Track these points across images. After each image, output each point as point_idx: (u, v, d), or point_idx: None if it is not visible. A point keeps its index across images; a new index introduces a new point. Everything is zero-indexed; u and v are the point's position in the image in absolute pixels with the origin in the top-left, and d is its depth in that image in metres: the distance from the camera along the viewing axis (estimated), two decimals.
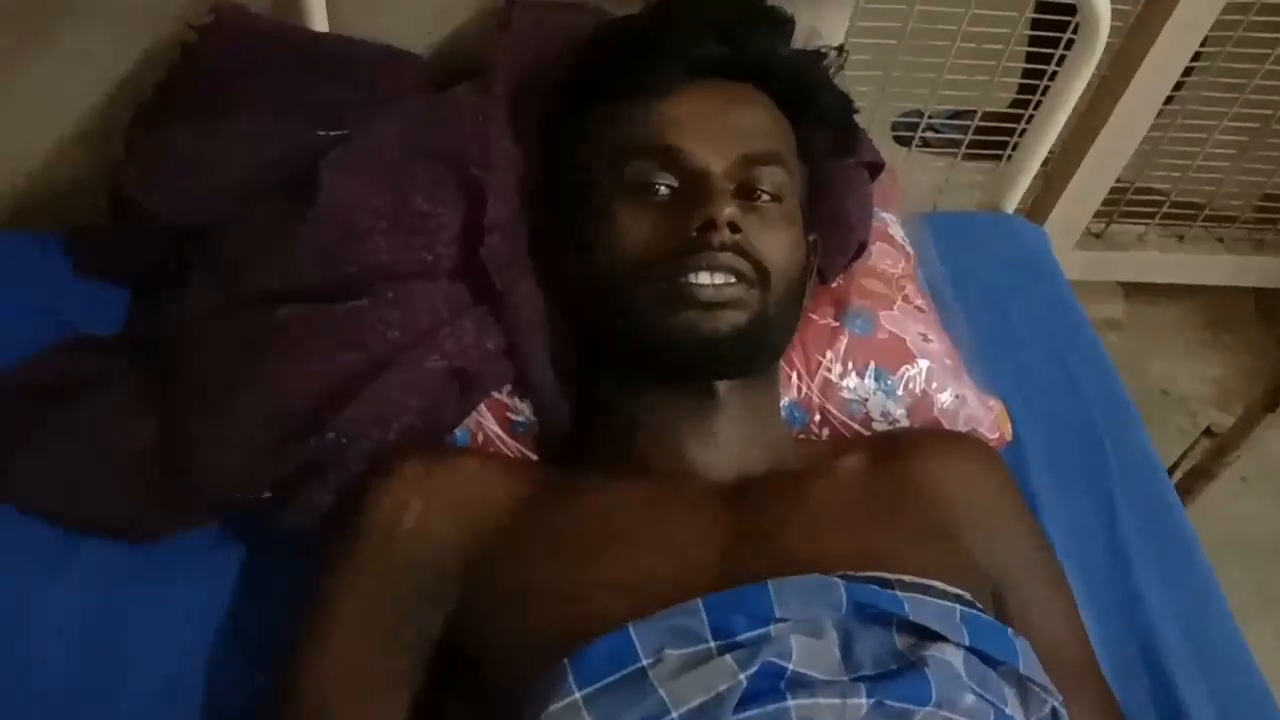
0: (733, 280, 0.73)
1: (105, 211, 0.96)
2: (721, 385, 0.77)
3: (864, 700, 0.60)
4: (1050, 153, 1.23)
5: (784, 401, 0.90)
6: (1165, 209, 1.86)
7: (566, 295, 0.82)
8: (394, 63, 0.96)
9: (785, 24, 0.85)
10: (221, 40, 0.93)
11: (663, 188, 0.76)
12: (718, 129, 0.77)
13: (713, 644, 0.61)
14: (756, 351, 0.77)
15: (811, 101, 0.85)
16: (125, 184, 0.91)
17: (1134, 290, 2.01)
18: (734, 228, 0.73)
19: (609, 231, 0.76)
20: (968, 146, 1.61)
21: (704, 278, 0.72)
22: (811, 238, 0.84)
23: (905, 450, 0.82)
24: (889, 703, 0.60)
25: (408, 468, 0.74)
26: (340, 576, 0.71)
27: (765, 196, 0.77)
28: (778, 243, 0.76)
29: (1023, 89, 1.62)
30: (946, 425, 0.93)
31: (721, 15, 0.81)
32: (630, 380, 0.78)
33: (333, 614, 0.69)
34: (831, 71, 0.88)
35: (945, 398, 0.93)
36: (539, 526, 0.72)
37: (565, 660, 0.59)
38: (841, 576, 0.65)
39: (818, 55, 0.87)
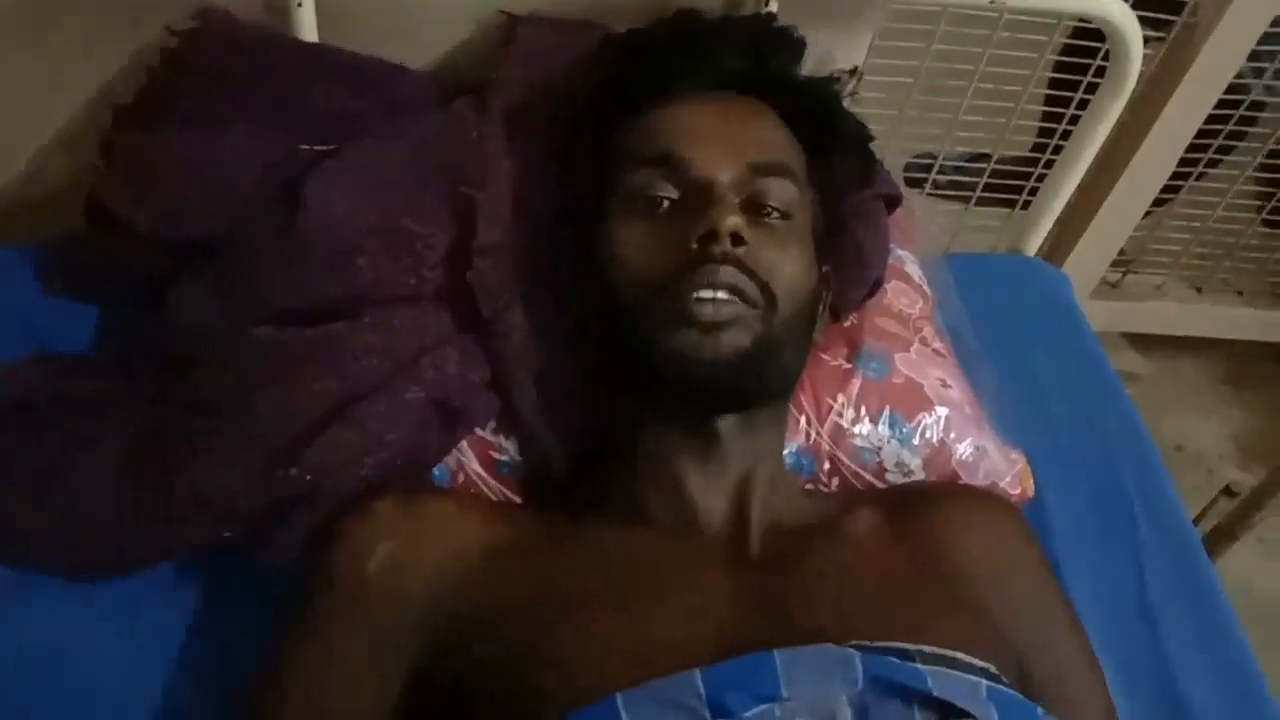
0: (734, 298, 0.69)
1: (82, 223, 0.92)
2: (723, 424, 0.72)
3: None
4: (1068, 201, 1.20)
5: (791, 448, 0.85)
6: (1184, 260, 1.83)
7: (582, 319, 0.78)
8: (386, 75, 0.93)
9: (799, 45, 0.83)
10: (206, 46, 0.90)
11: (665, 200, 0.73)
12: (725, 138, 0.74)
13: None
14: (760, 379, 0.72)
15: (825, 124, 0.82)
16: (103, 194, 0.88)
17: (1151, 343, 1.97)
18: (737, 239, 0.69)
19: (612, 247, 0.73)
20: (982, 190, 1.57)
21: (705, 294, 0.68)
22: (825, 269, 0.80)
23: (923, 509, 0.78)
24: None
25: (380, 508, 0.71)
26: (309, 620, 0.68)
27: (774, 213, 0.73)
28: (785, 262, 0.72)
29: (1042, 133, 1.59)
30: (965, 478, 0.88)
31: (737, 30, 0.81)
32: (633, 416, 0.75)
33: (300, 656, 0.67)
34: (845, 94, 0.86)
35: (964, 448, 0.88)
36: (524, 581, 0.68)
37: None
38: (857, 647, 0.60)
39: (831, 79, 0.85)
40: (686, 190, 0.72)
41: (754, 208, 0.73)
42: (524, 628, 0.65)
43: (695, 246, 0.68)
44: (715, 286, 0.68)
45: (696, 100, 0.76)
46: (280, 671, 0.67)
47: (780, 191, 0.74)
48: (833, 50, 0.95)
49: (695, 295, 0.68)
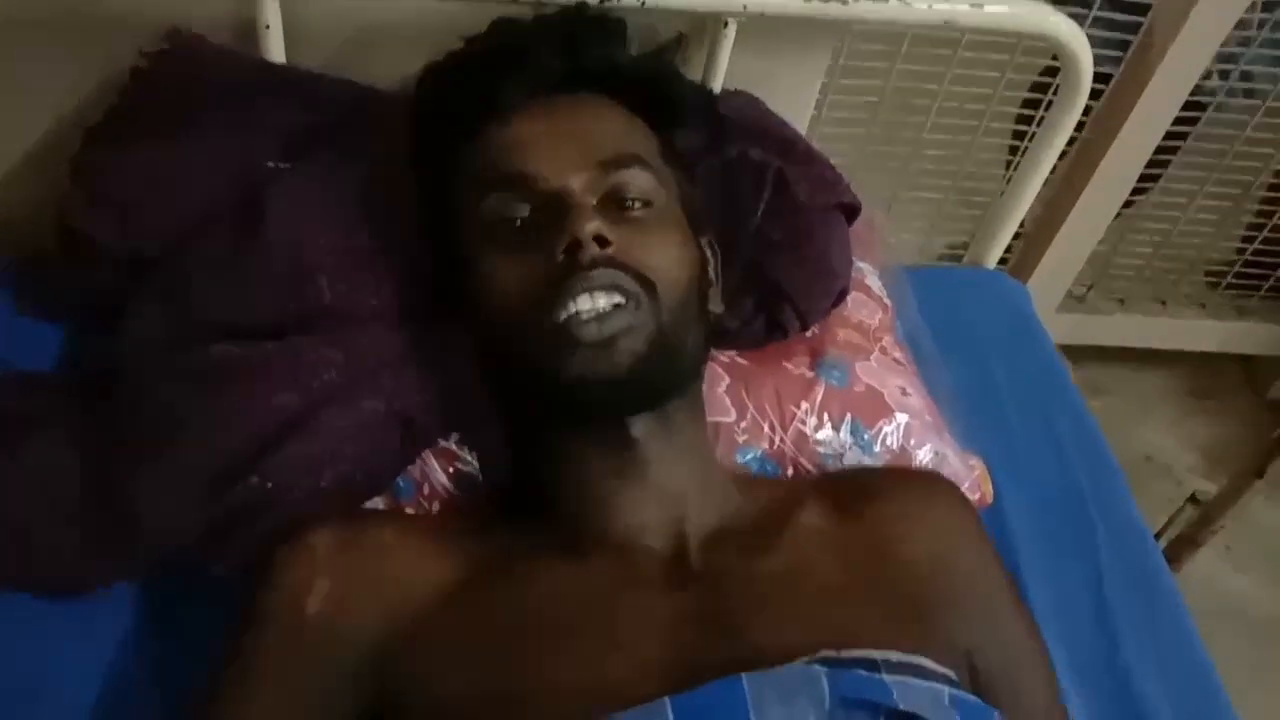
0: (617, 299, 0.66)
1: (52, 243, 0.92)
2: (636, 425, 0.70)
3: None
4: (1031, 216, 1.22)
5: (755, 453, 0.86)
6: (1147, 274, 1.85)
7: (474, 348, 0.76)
8: (350, 95, 0.93)
9: (619, 26, 0.79)
10: (174, 67, 0.90)
11: (521, 220, 0.70)
12: (568, 143, 0.71)
13: None
14: (666, 375, 0.70)
15: (664, 99, 0.79)
16: (68, 211, 0.87)
17: (1118, 355, 2.00)
18: (601, 241, 0.66)
19: (481, 279, 0.70)
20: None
21: (584, 302, 0.66)
22: (705, 239, 0.78)
23: (868, 499, 0.77)
24: None
25: (317, 543, 0.69)
26: (245, 653, 0.66)
27: (636, 204, 0.71)
28: (658, 249, 0.70)
29: (1011, 151, 1.62)
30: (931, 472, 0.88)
31: (551, 29, 0.77)
32: (545, 431, 0.73)
33: (237, 690, 0.66)
34: (674, 58, 0.83)
35: (924, 454, 0.89)
36: (472, 621, 0.66)
37: None
38: (823, 661, 0.60)
39: (660, 52, 0.83)
40: (540, 204, 0.69)
41: (613, 203, 0.70)
42: (472, 666, 0.63)
43: (562, 259, 0.66)
44: (591, 289, 0.66)
45: (529, 110, 0.73)
46: (216, 706, 0.65)
47: (636, 181, 0.71)
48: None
49: (576, 309, 0.66)
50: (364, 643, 0.65)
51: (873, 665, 0.60)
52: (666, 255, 0.70)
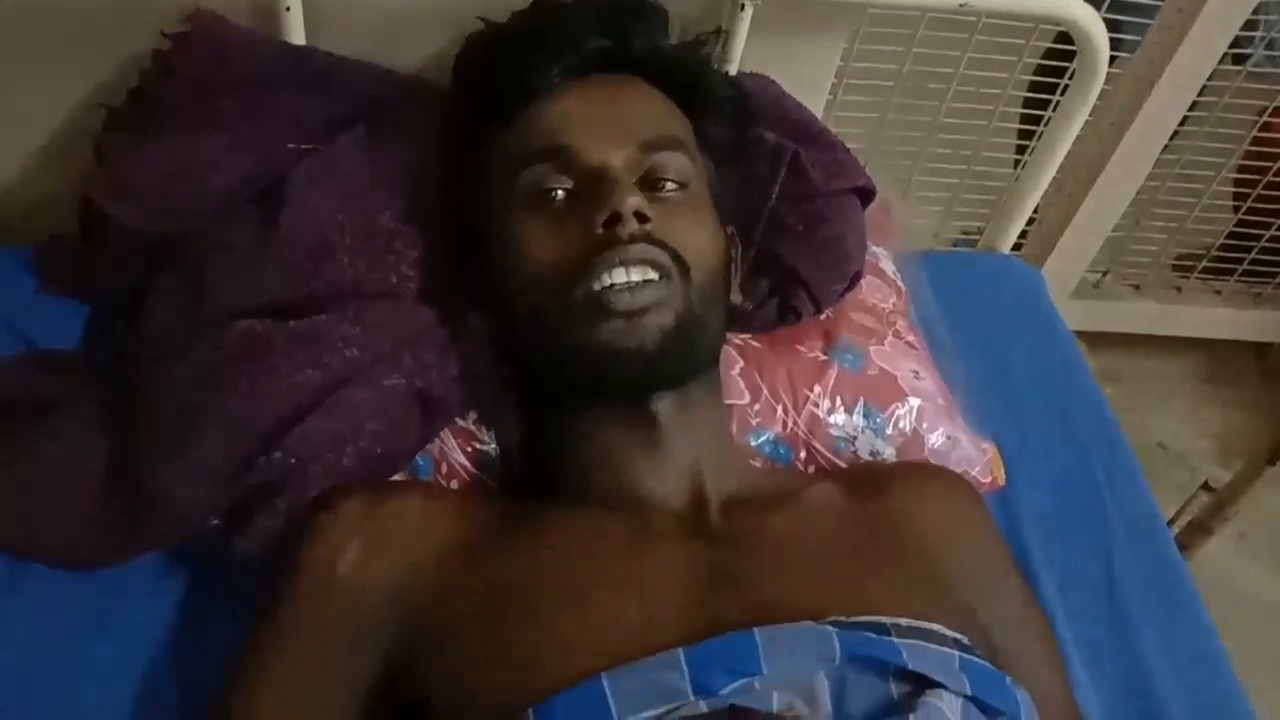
0: (651, 275, 0.69)
1: (76, 225, 0.93)
2: (659, 401, 0.72)
3: None
4: (1046, 202, 1.21)
5: (768, 436, 0.87)
6: (1162, 260, 1.84)
7: (495, 322, 0.78)
8: (371, 78, 0.93)
9: (662, 14, 0.82)
10: (197, 49, 0.90)
11: (560, 192, 0.72)
12: (610, 121, 0.73)
13: (695, 700, 0.56)
14: (689, 354, 0.72)
15: (699, 89, 0.81)
16: (93, 192, 0.89)
17: (1133, 342, 1.99)
18: (641, 217, 0.69)
19: (514, 248, 0.72)
20: None
21: (619, 275, 0.68)
22: (730, 229, 0.81)
23: (879, 483, 0.79)
24: None
25: (347, 508, 0.70)
26: (278, 618, 0.68)
27: (670, 185, 0.73)
28: (691, 230, 0.72)
29: (1022, 135, 1.62)
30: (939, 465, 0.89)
31: (595, 11, 0.79)
32: (566, 407, 0.75)
33: (269, 656, 0.67)
34: (710, 53, 0.85)
35: (936, 438, 0.90)
36: (492, 576, 0.67)
37: (529, 710, 0.56)
38: (835, 623, 0.61)
39: (697, 43, 0.85)
40: (581, 179, 0.71)
41: (651, 184, 0.73)
42: (501, 625, 0.64)
43: (601, 232, 0.68)
44: (628, 263, 0.68)
45: (573, 87, 0.75)
46: (251, 671, 0.67)
47: (674, 164, 0.74)
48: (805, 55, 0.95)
49: (611, 281, 0.67)
50: (390, 603, 0.67)
51: (883, 629, 0.61)
52: (699, 237, 0.73)
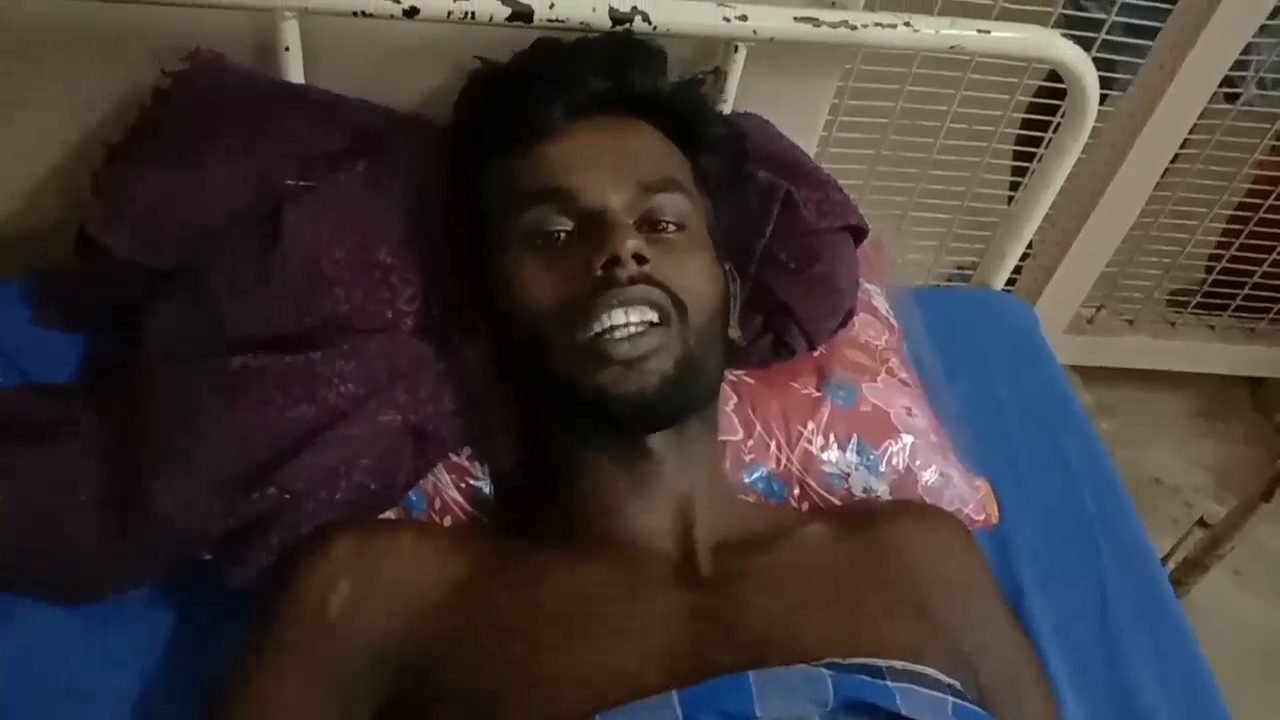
0: (650, 316, 0.69)
1: (73, 257, 0.93)
2: (655, 442, 0.73)
3: None
4: (1040, 238, 1.22)
5: (762, 472, 0.87)
6: (1155, 295, 1.85)
7: (496, 358, 0.78)
8: (367, 115, 0.94)
9: (660, 55, 0.83)
10: (196, 86, 0.91)
11: (562, 233, 0.73)
12: (610, 163, 0.74)
13: None
14: (689, 397, 0.73)
15: (697, 129, 0.83)
16: (88, 222, 0.89)
17: (1127, 377, 1.99)
18: (640, 259, 0.69)
19: (514, 288, 0.73)
20: None
21: (618, 316, 0.68)
22: (728, 267, 0.81)
23: (869, 522, 0.79)
24: None
25: (337, 546, 0.70)
26: (266, 656, 0.67)
27: (670, 226, 0.74)
28: (690, 270, 0.73)
29: (1016, 172, 1.63)
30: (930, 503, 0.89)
31: (596, 52, 0.80)
32: (563, 442, 0.75)
33: (255, 692, 0.66)
34: (708, 92, 0.86)
35: (929, 475, 0.90)
36: (485, 614, 0.67)
37: None
38: (829, 666, 0.61)
39: (696, 83, 0.86)
40: (581, 220, 0.72)
41: (649, 225, 0.74)
42: (494, 664, 0.64)
43: (600, 273, 0.69)
44: (627, 304, 0.68)
45: (574, 127, 0.76)
46: (234, 705, 0.66)
47: (672, 205, 0.75)
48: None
49: (610, 323, 0.68)
50: (382, 642, 0.67)
51: (877, 672, 0.61)
52: (697, 277, 0.73)
